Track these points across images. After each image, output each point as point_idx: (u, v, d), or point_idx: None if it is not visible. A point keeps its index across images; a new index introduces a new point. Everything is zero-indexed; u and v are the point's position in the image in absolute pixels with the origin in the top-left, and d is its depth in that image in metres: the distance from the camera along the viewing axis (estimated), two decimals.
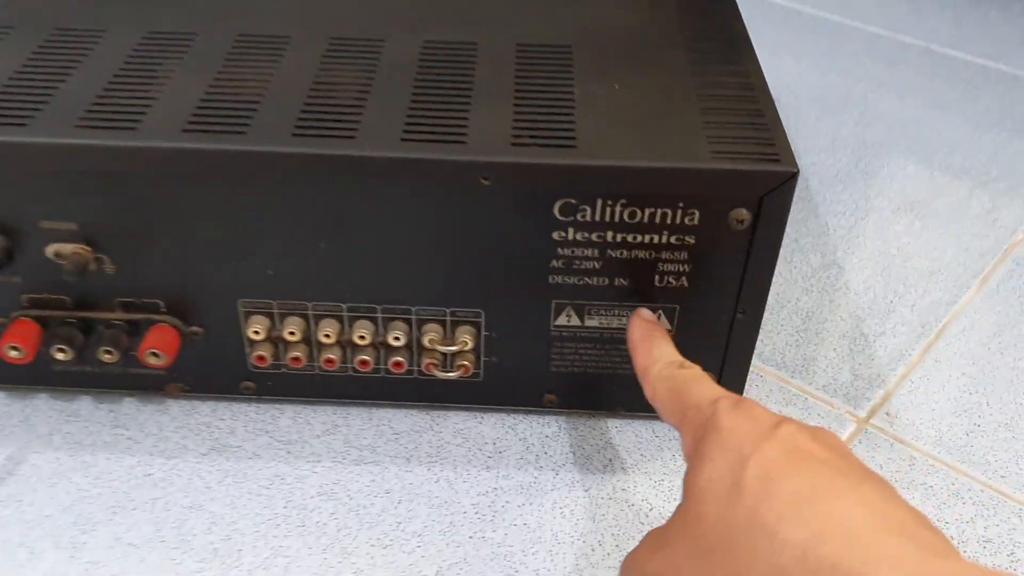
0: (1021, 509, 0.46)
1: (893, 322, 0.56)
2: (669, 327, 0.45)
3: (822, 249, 0.62)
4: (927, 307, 0.58)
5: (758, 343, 0.54)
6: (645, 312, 0.44)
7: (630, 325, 0.43)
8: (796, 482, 0.30)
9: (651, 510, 0.45)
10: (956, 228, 0.64)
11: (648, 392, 0.40)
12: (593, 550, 0.43)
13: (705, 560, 0.31)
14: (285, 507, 0.45)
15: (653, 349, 0.41)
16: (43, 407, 0.49)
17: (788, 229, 0.63)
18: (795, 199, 0.66)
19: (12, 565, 0.42)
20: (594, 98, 0.44)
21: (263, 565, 0.42)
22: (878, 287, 0.59)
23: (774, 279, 0.59)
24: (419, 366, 0.47)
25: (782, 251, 0.61)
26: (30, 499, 0.45)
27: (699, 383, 0.38)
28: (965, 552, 0.43)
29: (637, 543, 0.36)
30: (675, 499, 0.45)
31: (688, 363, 0.40)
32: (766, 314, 0.56)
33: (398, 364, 0.47)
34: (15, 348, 0.45)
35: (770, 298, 0.57)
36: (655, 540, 0.35)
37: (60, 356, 0.46)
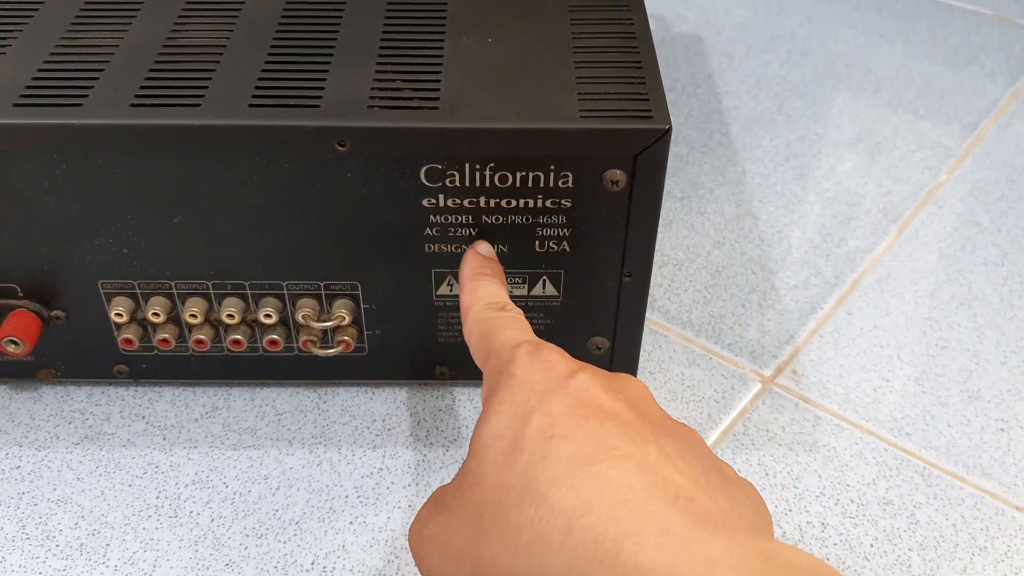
0: (924, 468, 0.44)
1: (806, 274, 0.54)
2: (555, 295, 0.43)
3: (738, 198, 0.60)
4: (843, 256, 0.56)
5: (663, 300, 0.52)
6: (482, 247, 0.41)
7: (463, 260, 0.40)
8: (576, 442, 0.28)
9: None
10: (877, 172, 0.62)
11: (465, 333, 0.37)
12: None
13: (476, 525, 0.29)
14: (158, 497, 0.42)
15: (479, 288, 0.38)
16: None
17: (702, 178, 0.61)
18: (711, 145, 0.64)
19: None
20: (464, 54, 0.42)
21: (131, 560, 0.40)
22: (793, 237, 0.57)
23: (684, 232, 0.57)
24: (296, 343, 0.45)
25: (695, 201, 0.59)
26: None
27: (510, 327, 0.35)
28: (865, 515, 0.42)
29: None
30: None
31: (511, 305, 0.37)
32: (673, 269, 0.54)
33: (273, 343, 0.44)
34: None
35: (679, 252, 0.56)
36: (435, 501, 0.32)
37: None
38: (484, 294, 0.38)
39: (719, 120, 0.66)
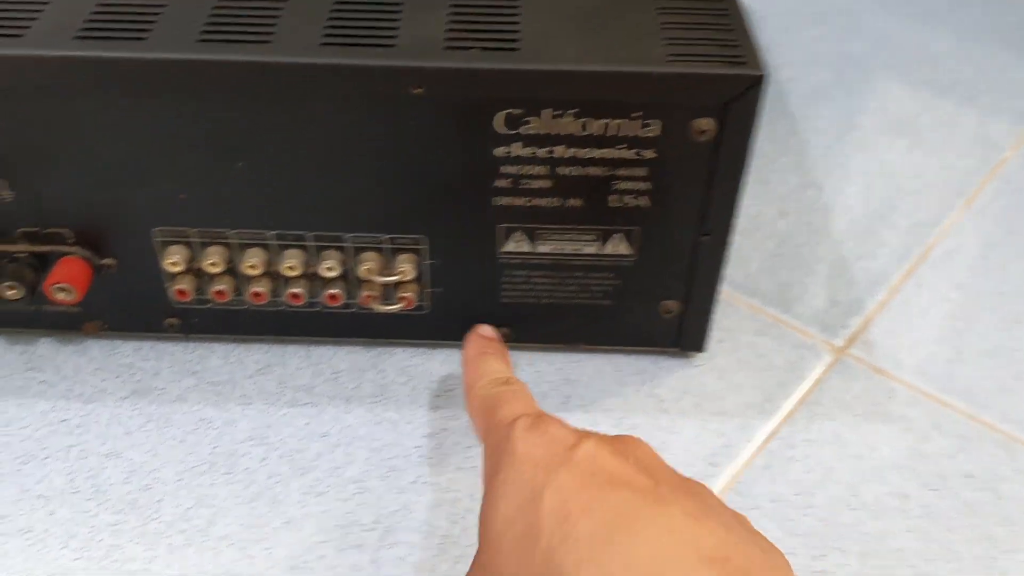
0: (1007, 441, 0.42)
1: (874, 245, 0.53)
2: (628, 253, 0.41)
3: (801, 168, 0.58)
4: (910, 229, 0.54)
5: (730, 269, 0.50)
6: (484, 329, 0.42)
7: (466, 341, 0.41)
8: (595, 518, 0.27)
9: None
10: (941, 146, 0.60)
11: (468, 410, 0.37)
12: None
13: None
14: (211, 453, 0.41)
15: (482, 365, 0.39)
16: None
17: (764, 146, 0.59)
18: (773, 115, 0.62)
19: None
20: None
21: (185, 516, 0.39)
22: (859, 208, 0.55)
23: (749, 200, 0.55)
24: (357, 299, 0.43)
25: (758, 170, 0.57)
26: None
27: (511, 401, 0.34)
28: (947, 488, 0.40)
29: None
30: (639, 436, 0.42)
31: (514, 379, 0.37)
32: (739, 238, 0.52)
33: (333, 297, 0.43)
34: None
35: (744, 221, 0.54)
36: None
37: None
38: (488, 370, 0.38)
39: (777, 91, 0.64)
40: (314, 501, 0.39)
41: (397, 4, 0.39)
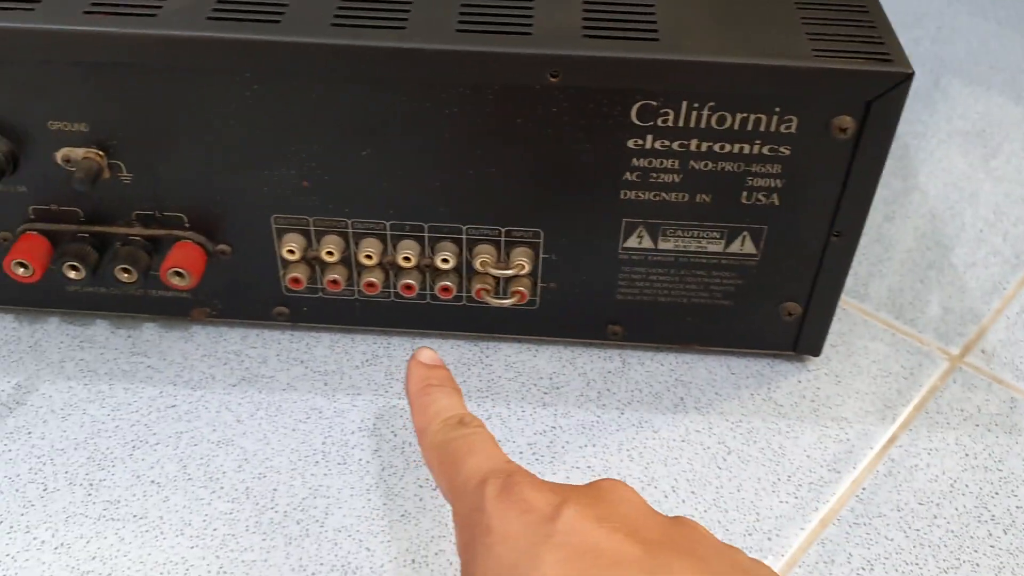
0: None
1: (984, 252, 0.51)
2: (753, 253, 0.40)
3: (904, 172, 0.56)
4: (1020, 236, 0.52)
5: None
6: (424, 354, 0.36)
7: (408, 373, 0.36)
8: None
9: (728, 454, 0.40)
10: None
11: (424, 458, 0.33)
12: (666, 496, 0.39)
13: None
14: (323, 443, 0.40)
15: (430, 405, 0.33)
16: (54, 332, 0.45)
17: None
18: None
19: (22, 503, 0.38)
20: None
21: (300, 507, 0.38)
22: (966, 214, 0.54)
23: None
24: (469, 292, 0.42)
25: None
26: (40, 431, 0.40)
27: (471, 454, 0.30)
28: None
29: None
30: (754, 442, 0.41)
31: (469, 418, 0.32)
32: None
33: (446, 289, 0.42)
34: (22, 265, 0.40)
35: None
36: None
37: (72, 275, 0.41)
38: (436, 410, 0.33)
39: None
40: (429, 495, 0.38)
41: None
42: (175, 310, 0.45)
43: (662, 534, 0.27)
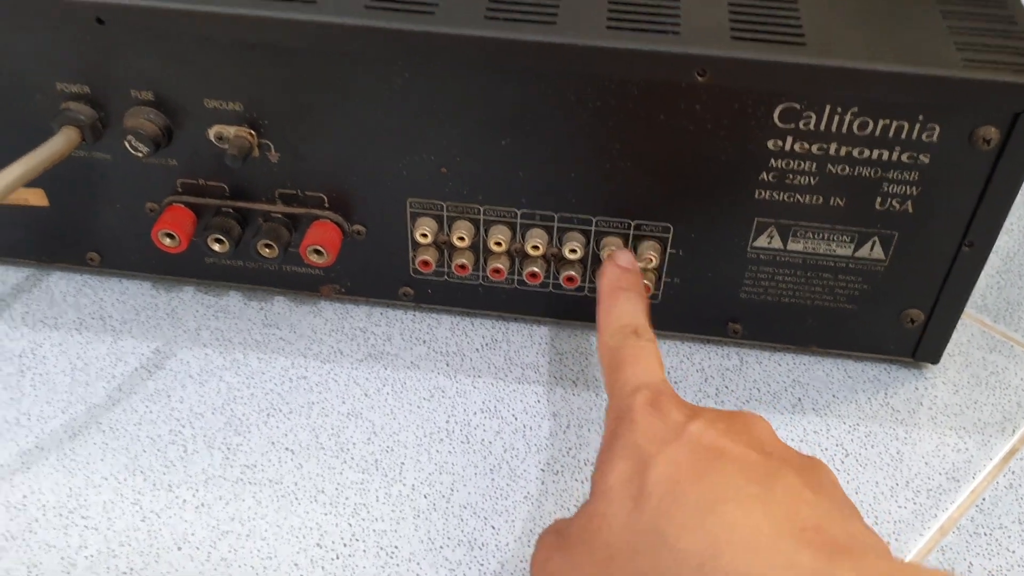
0: None
1: None
2: (882, 259, 0.40)
3: None
4: None
5: None
6: (622, 257, 0.40)
7: (602, 269, 0.39)
8: (701, 487, 0.29)
9: (846, 456, 0.41)
10: None
11: (598, 351, 0.37)
12: None
13: (606, 567, 0.29)
14: (447, 422, 0.42)
15: (615, 306, 0.37)
16: (190, 300, 0.47)
17: None
18: None
19: (163, 462, 0.40)
20: None
21: (427, 481, 0.39)
22: None
23: None
24: (592, 282, 0.43)
25: None
26: (179, 395, 0.42)
27: (635, 363, 0.35)
28: None
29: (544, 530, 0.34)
30: (872, 446, 0.41)
31: (644, 328, 0.36)
32: None
33: (570, 279, 0.43)
34: (170, 235, 0.42)
35: None
36: (558, 534, 0.33)
37: (217, 247, 0.43)
38: (619, 314, 0.37)
39: None
40: (551, 479, 0.40)
41: None
42: (305, 285, 0.46)
43: (787, 453, 0.31)
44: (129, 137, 0.40)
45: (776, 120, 0.37)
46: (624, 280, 0.38)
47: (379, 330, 0.46)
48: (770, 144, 0.38)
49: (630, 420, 0.32)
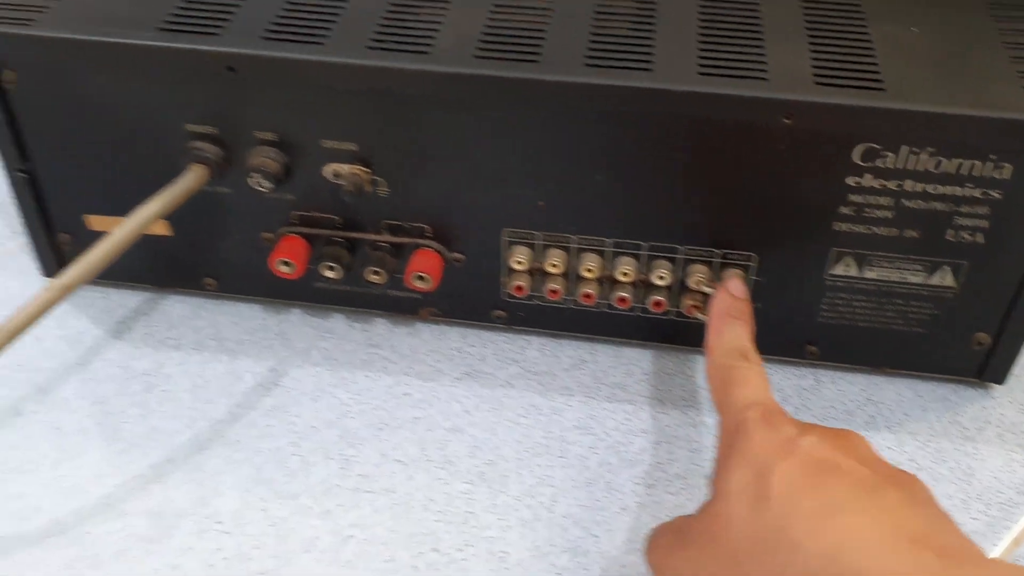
0: None
1: None
2: (952, 286, 0.43)
3: None
4: None
5: None
6: (734, 286, 0.43)
7: (715, 295, 0.43)
8: (818, 496, 0.31)
9: (919, 470, 0.43)
10: None
11: (707, 373, 0.40)
12: None
13: (733, 565, 0.32)
14: (544, 437, 0.45)
15: (725, 330, 0.40)
16: (297, 323, 0.50)
17: None
18: None
19: (285, 473, 0.43)
20: (893, 39, 0.42)
21: (530, 493, 0.43)
22: None
23: None
24: (679, 307, 0.46)
25: None
26: (296, 411, 0.46)
27: (745, 384, 0.37)
28: None
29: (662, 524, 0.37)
30: (943, 461, 0.44)
31: (752, 353, 0.39)
32: None
33: (658, 304, 0.46)
34: (286, 263, 0.46)
35: None
36: (678, 533, 0.35)
37: (330, 274, 0.46)
38: (730, 337, 0.40)
39: None
40: (646, 492, 0.43)
41: (757, 37, 0.42)
42: (404, 308, 0.50)
43: (888, 470, 0.33)
44: (255, 175, 0.44)
45: (856, 159, 0.40)
46: (735, 308, 0.41)
47: (474, 350, 0.49)
48: (849, 181, 0.41)
49: (745, 432, 0.34)
